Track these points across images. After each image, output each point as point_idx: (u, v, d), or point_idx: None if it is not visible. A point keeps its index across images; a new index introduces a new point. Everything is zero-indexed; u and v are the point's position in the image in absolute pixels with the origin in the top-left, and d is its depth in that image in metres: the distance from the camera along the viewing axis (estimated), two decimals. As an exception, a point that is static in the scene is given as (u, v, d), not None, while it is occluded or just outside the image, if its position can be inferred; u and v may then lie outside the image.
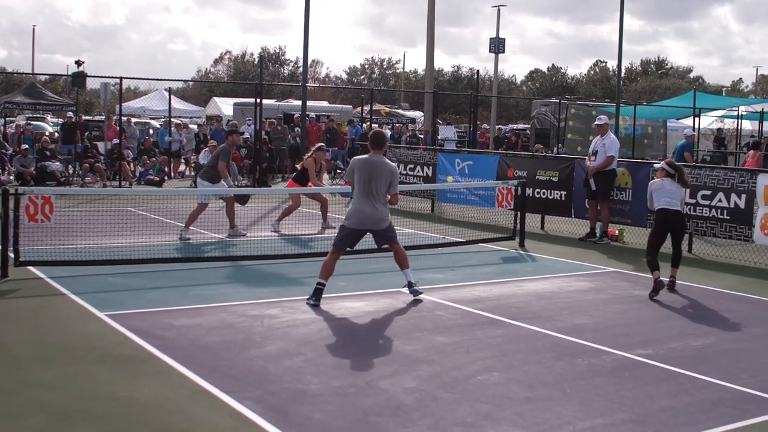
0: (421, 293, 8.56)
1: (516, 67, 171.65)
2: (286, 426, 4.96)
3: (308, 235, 13.16)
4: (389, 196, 8.41)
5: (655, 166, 10.01)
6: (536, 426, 5.06)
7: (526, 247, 12.38)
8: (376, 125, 29.29)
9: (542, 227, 14.61)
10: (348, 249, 8.67)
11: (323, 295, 8.20)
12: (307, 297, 8.20)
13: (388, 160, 8.50)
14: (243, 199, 12.99)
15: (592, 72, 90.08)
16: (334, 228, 13.60)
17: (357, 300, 8.23)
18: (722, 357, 6.77)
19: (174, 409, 5.20)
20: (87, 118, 30.79)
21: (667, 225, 9.45)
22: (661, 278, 9.07)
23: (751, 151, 20.25)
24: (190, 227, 12.28)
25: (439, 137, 29.81)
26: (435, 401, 5.46)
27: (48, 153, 21.06)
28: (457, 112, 63.99)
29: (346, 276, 9.68)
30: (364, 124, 25.98)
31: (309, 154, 13.89)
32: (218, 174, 12.38)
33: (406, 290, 8.73)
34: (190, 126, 28.57)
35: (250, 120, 24.81)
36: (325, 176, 16.50)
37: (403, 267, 8.56)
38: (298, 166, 13.93)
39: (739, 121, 33.08)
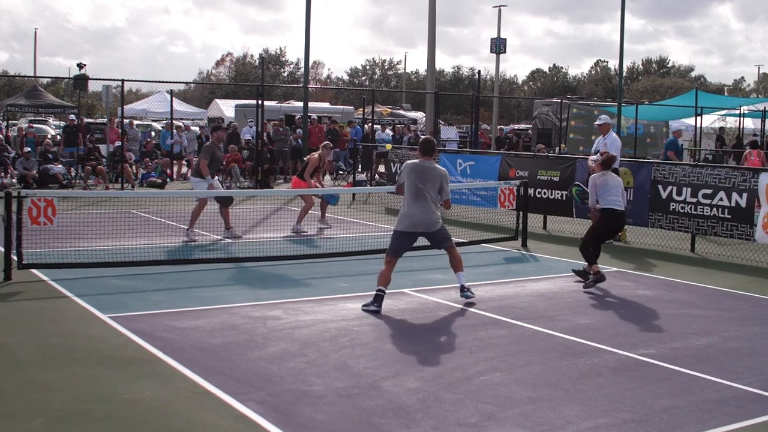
0: (473, 299, 8.41)
1: (517, 67, 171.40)
2: (289, 427, 4.96)
3: (310, 236, 13.16)
4: (442, 202, 8.41)
5: (591, 158, 10.44)
6: (539, 426, 5.06)
7: (529, 247, 12.37)
8: (378, 126, 29.30)
9: (544, 227, 14.60)
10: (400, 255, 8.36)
11: (326, 296, 8.16)
12: (367, 303, 8.02)
13: (438, 165, 8.48)
14: (226, 201, 12.74)
15: (593, 71, 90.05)
16: (330, 227, 13.68)
17: (359, 301, 8.23)
18: (725, 356, 6.76)
19: (176, 410, 5.21)
20: (89, 120, 30.77)
21: (613, 225, 9.72)
22: (599, 271, 9.38)
23: (755, 151, 20.12)
24: (194, 228, 12.28)
25: (441, 138, 29.81)
26: (438, 402, 5.45)
27: (50, 156, 21.11)
28: (458, 112, 63.90)
29: (348, 277, 9.70)
30: (366, 125, 25.98)
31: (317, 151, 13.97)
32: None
33: (408, 290, 8.72)
34: (192, 128, 28.60)
35: (251, 122, 24.82)
36: (327, 177, 16.49)
37: (457, 270, 8.47)
38: (305, 159, 13.94)
39: (741, 119, 33.04)
